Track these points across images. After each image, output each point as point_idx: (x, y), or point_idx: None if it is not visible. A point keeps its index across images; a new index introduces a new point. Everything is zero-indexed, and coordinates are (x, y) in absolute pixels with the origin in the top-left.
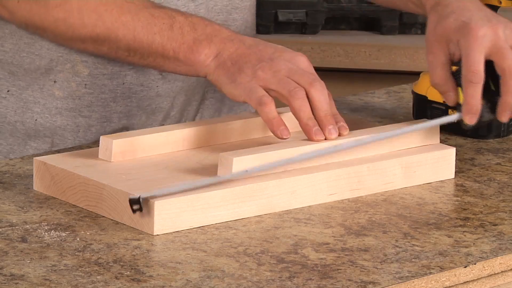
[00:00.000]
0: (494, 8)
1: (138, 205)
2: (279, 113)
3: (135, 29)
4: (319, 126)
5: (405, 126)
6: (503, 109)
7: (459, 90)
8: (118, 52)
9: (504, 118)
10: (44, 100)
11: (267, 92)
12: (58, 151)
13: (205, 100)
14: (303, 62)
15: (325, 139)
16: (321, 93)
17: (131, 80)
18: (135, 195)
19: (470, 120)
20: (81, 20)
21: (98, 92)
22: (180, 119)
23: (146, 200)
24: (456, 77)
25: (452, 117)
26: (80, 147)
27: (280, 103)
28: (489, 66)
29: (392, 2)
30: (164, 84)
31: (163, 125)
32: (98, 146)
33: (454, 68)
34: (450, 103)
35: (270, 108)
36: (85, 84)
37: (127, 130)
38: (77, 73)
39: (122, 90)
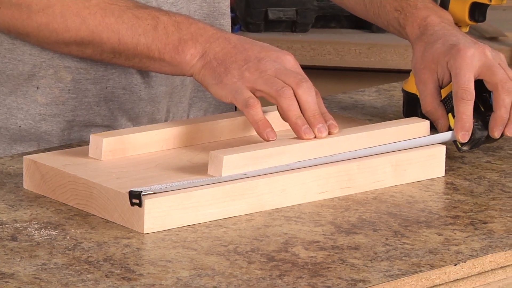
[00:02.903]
0: (484, 6)
1: (138, 199)
2: (266, 112)
3: (119, 32)
4: (309, 126)
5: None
6: (496, 124)
7: (449, 116)
8: (103, 55)
9: (496, 133)
10: (27, 107)
11: (254, 92)
12: (48, 150)
13: (192, 104)
14: (290, 61)
15: (315, 137)
16: (308, 94)
17: (113, 84)
18: (137, 189)
19: (463, 137)
20: (65, 24)
21: (81, 97)
22: None
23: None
24: (446, 104)
25: (446, 135)
26: (70, 146)
27: (267, 102)
28: (477, 86)
29: (373, 20)
30: (147, 89)
31: None
32: (88, 144)
33: (443, 95)
34: (442, 129)
35: (256, 110)
36: (69, 90)
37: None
38: (60, 79)
39: (105, 94)
